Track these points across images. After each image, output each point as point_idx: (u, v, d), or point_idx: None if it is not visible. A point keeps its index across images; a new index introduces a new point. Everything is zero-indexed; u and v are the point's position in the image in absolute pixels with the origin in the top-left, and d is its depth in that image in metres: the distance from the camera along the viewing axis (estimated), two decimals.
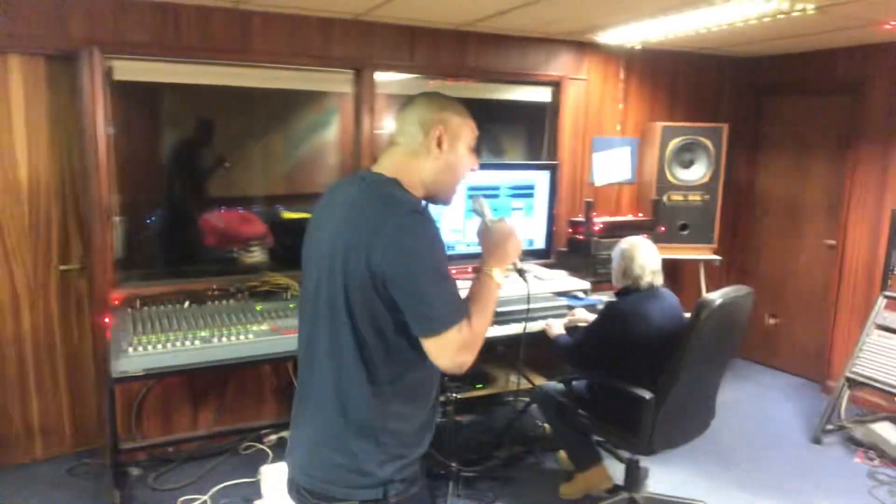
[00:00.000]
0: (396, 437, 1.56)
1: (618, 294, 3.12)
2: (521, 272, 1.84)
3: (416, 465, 1.63)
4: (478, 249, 1.66)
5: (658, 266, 3.03)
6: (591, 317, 3.38)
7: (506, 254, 1.62)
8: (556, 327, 3.32)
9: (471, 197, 1.81)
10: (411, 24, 3.86)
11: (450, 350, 1.46)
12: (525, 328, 3.27)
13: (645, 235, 3.19)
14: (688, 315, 2.78)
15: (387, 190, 1.53)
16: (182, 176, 4.02)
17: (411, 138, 1.59)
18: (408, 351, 1.52)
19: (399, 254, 1.42)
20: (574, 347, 3.10)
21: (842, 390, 4.03)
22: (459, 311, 1.47)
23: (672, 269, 5.12)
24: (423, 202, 1.61)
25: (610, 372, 3.00)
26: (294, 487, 1.64)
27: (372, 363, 1.51)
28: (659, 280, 3.02)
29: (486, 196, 1.88)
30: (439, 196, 1.65)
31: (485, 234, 1.66)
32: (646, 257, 3.00)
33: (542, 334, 3.33)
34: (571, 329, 3.36)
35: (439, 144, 1.58)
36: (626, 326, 2.89)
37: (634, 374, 2.87)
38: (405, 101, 1.66)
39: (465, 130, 1.63)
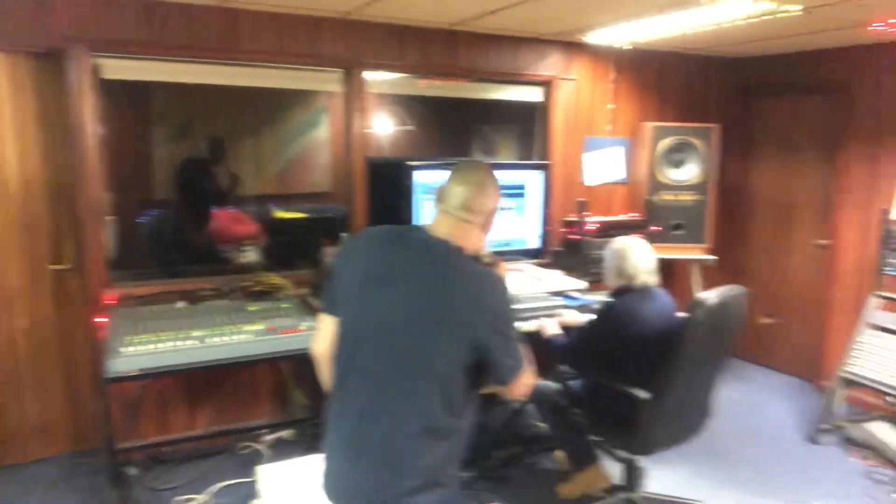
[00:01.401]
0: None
1: (612, 294, 3.10)
2: None
3: None
4: None
5: (652, 265, 3.01)
6: (581, 318, 3.36)
7: None
8: (551, 327, 3.30)
9: None
10: (401, 23, 3.85)
11: (528, 380, 1.81)
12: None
13: (640, 235, 3.17)
14: (682, 315, 2.76)
15: (471, 262, 1.76)
16: (190, 188, 3.99)
17: (476, 215, 1.79)
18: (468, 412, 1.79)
19: (501, 324, 1.72)
20: (569, 347, 3.08)
21: (835, 390, 4.03)
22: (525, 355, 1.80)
23: (665, 269, 5.10)
24: None
25: (606, 371, 2.98)
26: None
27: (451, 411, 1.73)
28: (653, 279, 3.01)
29: None
30: None
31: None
32: (639, 256, 2.98)
33: (537, 334, 3.30)
34: (564, 329, 3.33)
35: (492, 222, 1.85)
36: (621, 326, 2.88)
37: (630, 374, 2.85)
38: (464, 171, 1.84)
39: None
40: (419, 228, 1.82)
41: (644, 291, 2.97)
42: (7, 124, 3.21)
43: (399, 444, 1.66)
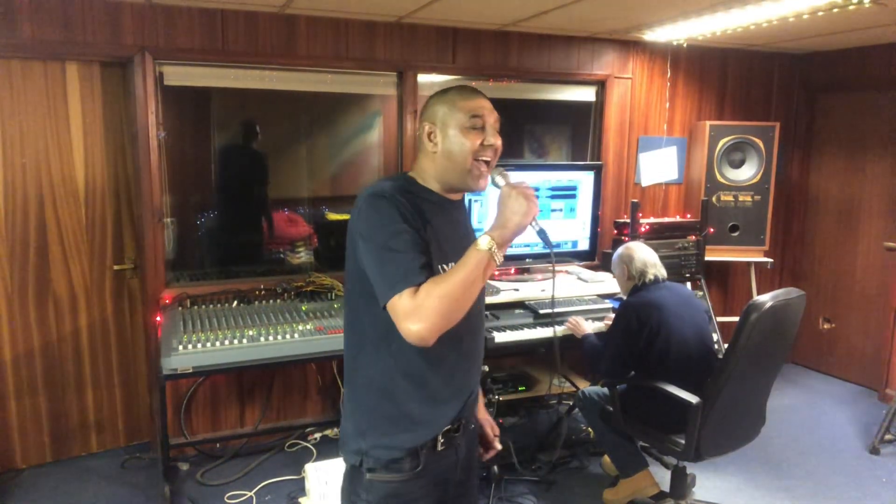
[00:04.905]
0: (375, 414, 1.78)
1: (627, 295, 3.15)
2: (540, 232, 1.65)
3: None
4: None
5: (657, 260, 3.10)
6: None
7: (507, 217, 1.51)
8: (584, 325, 3.30)
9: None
10: (453, 25, 3.87)
11: (399, 318, 1.44)
12: (554, 331, 3.22)
13: (695, 237, 3.14)
14: (728, 318, 2.71)
15: (381, 180, 1.66)
16: (231, 177, 4.09)
17: (419, 141, 1.70)
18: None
19: (365, 231, 1.54)
20: (599, 354, 3.10)
21: None
22: (405, 279, 1.44)
23: (722, 272, 5.01)
24: (394, 186, 1.58)
25: (643, 373, 2.96)
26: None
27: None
28: (662, 272, 3.08)
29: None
30: (455, 184, 1.66)
31: (499, 200, 1.57)
32: (643, 253, 3.09)
33: (573, 336, 3.31)
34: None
35: (431, 139, 1.64)
36: (642, 317, 2.90)
37: (669, 372, 2.84)
38: None
39: (453, 115, 1.61)
40: None
41: (658, 283, 3.04)
42: (77, 131, 3.37)
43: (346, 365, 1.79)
